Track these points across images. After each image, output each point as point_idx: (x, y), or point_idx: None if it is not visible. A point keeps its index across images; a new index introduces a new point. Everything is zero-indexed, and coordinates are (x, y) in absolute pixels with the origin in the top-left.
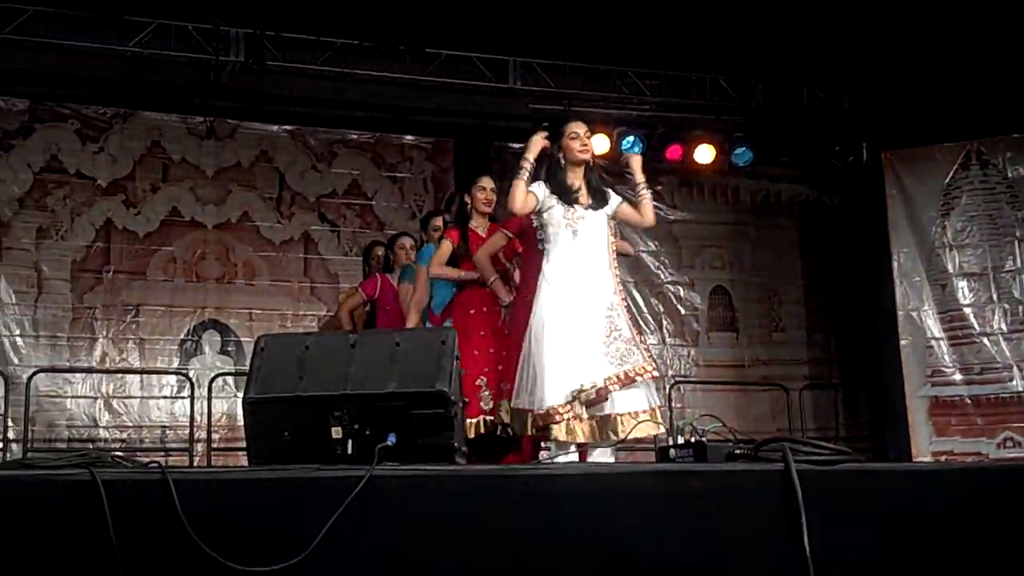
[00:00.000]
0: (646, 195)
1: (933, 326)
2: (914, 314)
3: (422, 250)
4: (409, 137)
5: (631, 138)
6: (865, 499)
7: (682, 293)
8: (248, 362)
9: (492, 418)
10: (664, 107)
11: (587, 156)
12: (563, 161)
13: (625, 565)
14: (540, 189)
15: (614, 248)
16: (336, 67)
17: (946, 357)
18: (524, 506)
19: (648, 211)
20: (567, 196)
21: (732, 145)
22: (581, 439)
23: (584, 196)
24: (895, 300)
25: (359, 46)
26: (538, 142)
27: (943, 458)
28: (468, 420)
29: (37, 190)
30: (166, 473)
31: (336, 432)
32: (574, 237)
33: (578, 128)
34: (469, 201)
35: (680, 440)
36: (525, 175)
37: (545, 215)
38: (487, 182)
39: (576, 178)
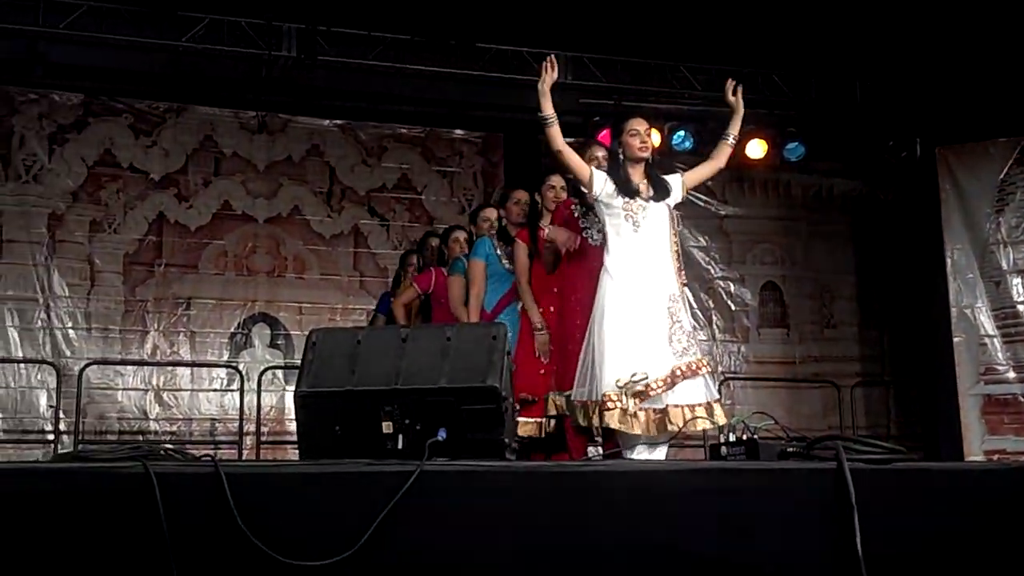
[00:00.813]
0: (729, 143)
1: (986, 323)
2: (967, 311)
3: (476, 244)
4: (459, 131)
5: (682, 132)
6: (918, 498)
7: (732, 289)
8: (297, 356)
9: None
10: (715, 102)
11: (647, 154)
12: (622, 157)
13: (675, 563)
14: (601, 179)
15: (676, 239)
16: (387, 62)
17: (999, 355)
18: (574, 502)
19: (724, 153)
20: (628, 190)
21: (784, 140)
22: (637, 431)
23: (645, 189)
24: (948, 297)
25: (410, 41)
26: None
27: (995, 457)
28: (535, 419)
29: (91, 183)
30: (218, 466)
31: (387, 427)
32: (635, 230)
33: (638, 125)
34: (540, 200)
35: (732, 437)
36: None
37: (606, 209)
38: (556, 180)
39: (636, 174)
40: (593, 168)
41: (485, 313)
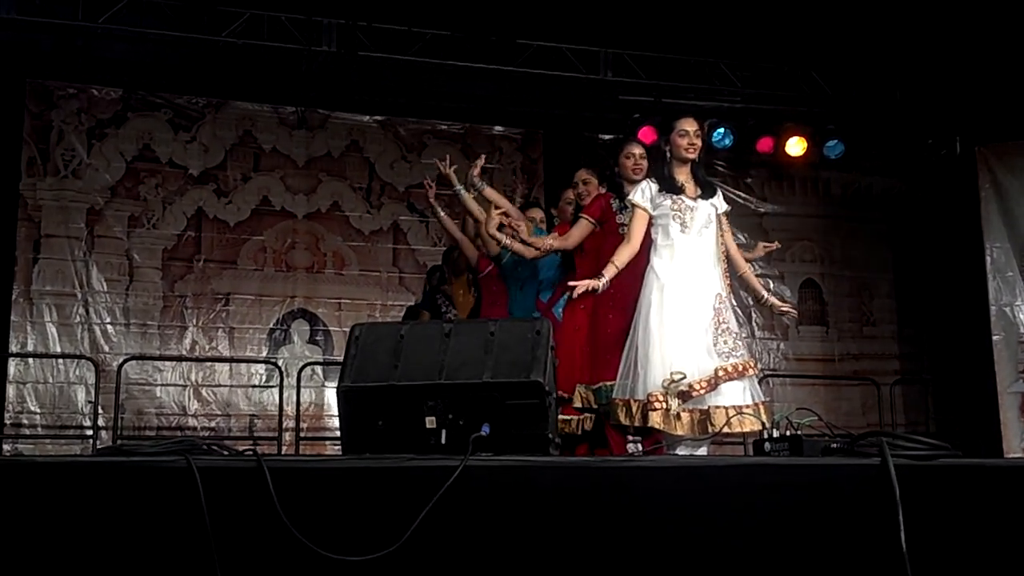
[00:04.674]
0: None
1: None
2: (1007, 309)
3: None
4: (499, 128)
5: (721, 130)
6: (963, 495)
7: (772, 286)
8: (336, 352)
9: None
10: (755, 99)
11: (693, 155)
12: (668, 155)
13: (719, 558)
14: (647, 190)
15: (723, 240)
16: (427, 58)
17: None
18: (617, 498)
19: (745, 270)
20: (672, 187)
21: (823, 138)
22: (680, 432)
23: (691, 188)
24: (987, 295)
25: (450, 37)
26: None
27: None
28: (573, 416)
29: (129, 179)
30: (261, 461)
31: (430, 422)
32: (683, 230)
33: (687, 126)
34: (576, 197)
35: (775, 434)
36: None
37: (656, 211)
38: (582, 174)
39: (681, 174)
40: (635, 198)
41: (541, 303)
